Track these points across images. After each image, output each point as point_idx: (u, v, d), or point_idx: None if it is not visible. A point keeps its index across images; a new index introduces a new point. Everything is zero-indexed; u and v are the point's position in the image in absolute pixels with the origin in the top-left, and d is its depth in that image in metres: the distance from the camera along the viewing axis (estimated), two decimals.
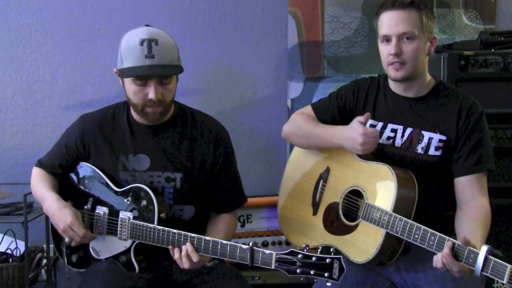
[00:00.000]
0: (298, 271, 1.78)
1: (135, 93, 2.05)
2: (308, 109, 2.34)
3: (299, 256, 1.78)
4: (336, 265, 1.75)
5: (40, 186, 2.19)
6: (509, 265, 1.68)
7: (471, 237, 1.85)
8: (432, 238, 1.84)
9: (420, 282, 2.00)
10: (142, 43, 2.00)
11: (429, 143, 2.08)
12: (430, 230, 1.86)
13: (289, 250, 1.79)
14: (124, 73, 2.05)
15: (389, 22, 2.04)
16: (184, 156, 2.16)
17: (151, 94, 2.02)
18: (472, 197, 2.02)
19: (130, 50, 2.03)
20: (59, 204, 2.09)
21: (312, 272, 1.76)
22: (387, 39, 2.06)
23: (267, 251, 1.83)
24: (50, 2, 3.13)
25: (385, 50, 2.07)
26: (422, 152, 2.08)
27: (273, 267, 1.82)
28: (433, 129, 2.08)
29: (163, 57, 2.02)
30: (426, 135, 2.08)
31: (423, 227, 1.87)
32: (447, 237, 1.82)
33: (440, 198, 2.11)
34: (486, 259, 1.73)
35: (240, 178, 2.30)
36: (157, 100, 2.03)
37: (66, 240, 2.07)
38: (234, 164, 2.27)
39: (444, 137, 2.07)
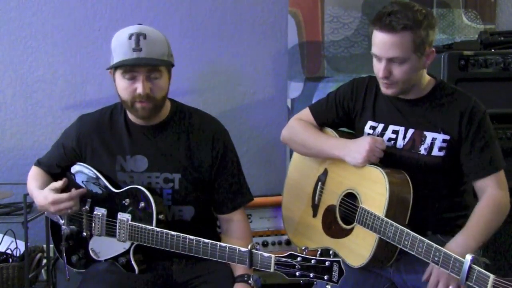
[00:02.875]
0: (297, 274, 1.77)
1: (125, 89, 2.05)
2: (306, 112, 2.32)
3: (299, 259, 1.77)
4: (335, 267, 1.75)
5: (33, 186, 2.20)
6: (491, 275, 1.66)
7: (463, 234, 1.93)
8: (421, 245, 1.84)
9: (420, 283, 1.98)
10: (130, 37, 2.01)
11: (432, 144, 2.06)
12: (419, 236, 1.85)
13: (288, 253, 1.79)
14: (112, 67, 2.06)
15: (380, 44, 1.99)
16: (183, 156, 2.15)
17: (139, 88, 2.01)
18: (487, 192, 2.01)
19: (119, 45, 2.03)
20: (40, 193, 2.12)
21: (311, 275, 1.76)
22: (377, 58, 2.03)
23: (266, 254, 1.83)
24: (50, 2, 3.12)
25: (376, 66, 2.05)
26: (425, 153, 2.06)
27: (272, 270, 1.81)
28: (436, 129, 2.07)
29: (151, 51, 2.01)
30: (429, 135, 2.06)
31: (412, 233, 1.86)
32: (434, 245, 1.81)
33: (442, 200, 2.10)
34: (470, 268, 1.71)
35: (243, 177, 2.28)
36: (145, 95, 2.02)
37: (62, 221, 2.11)
38: (234, 162, 2.25)
39: (447, 137, 2.05)
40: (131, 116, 2.18)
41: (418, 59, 2.00)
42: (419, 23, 1.95)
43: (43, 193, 2.12)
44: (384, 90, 2.08)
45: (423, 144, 2.07)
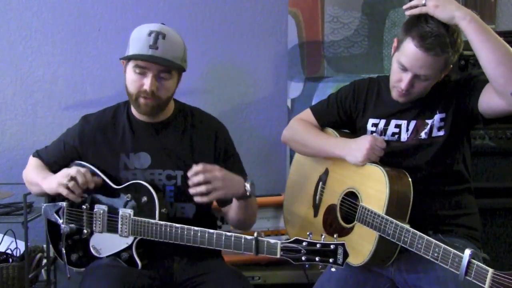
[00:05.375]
0: (303, 258, 1.79)
1: (133, 82, 2.07)
2: (307, 113, 2.33)
3: (304, 243, 1.79)
4: (340, 250, 1.77)
5: (37, 172, 2.20)
6: (490, 269, 1.66)
7: None
8: (420, 241, 1.84)
9: (421, 282, 1.98)
10: (150, 34, 2.05)
11: (431, 127, 2.07)
12: (419, 233, 1.85)
13: (293, 238, 1.80)
14: (125, 58, 2.08)
15: (413, 60, 1.95)
16: (185, 154, 2.17)
17: (146, 85, 2.04)
18: None
19: (137, 39, 2.06)
20: (56, 175, 2.12)
21: (317, 259, 1.77)
22: (403, 68, 2.00)
23: (272, 241, 1.83)
24: (50, 2, 3.13)
25: (398, 74, 2.02)
26: (426, 137, 2.07)
27: (278, 256, 1.82)
28: (434, 112, 2.07)
29: (166, 51, 2.04)
30: (429, 121, 2.07)
31: (412, 230, 1.86)
32: (434, 241, 1.81)
33: (442, 198, 2.10)
34: (469, 263, 1.71)
35: (245, 172, 2.28)
36: (150, 91, 2.05)
37: (61, 220, 2.10)
38: (236, 159, 2.27)
39: (443, 115, 2.06)
40: (134, 112, 2.20)
41: (440, 75, 2.02)
42: (457, 49, 1.96)
43: (62, 171, 2.11)
44: (397, 97, 2.08)
45: (425, 129, 2.08)
